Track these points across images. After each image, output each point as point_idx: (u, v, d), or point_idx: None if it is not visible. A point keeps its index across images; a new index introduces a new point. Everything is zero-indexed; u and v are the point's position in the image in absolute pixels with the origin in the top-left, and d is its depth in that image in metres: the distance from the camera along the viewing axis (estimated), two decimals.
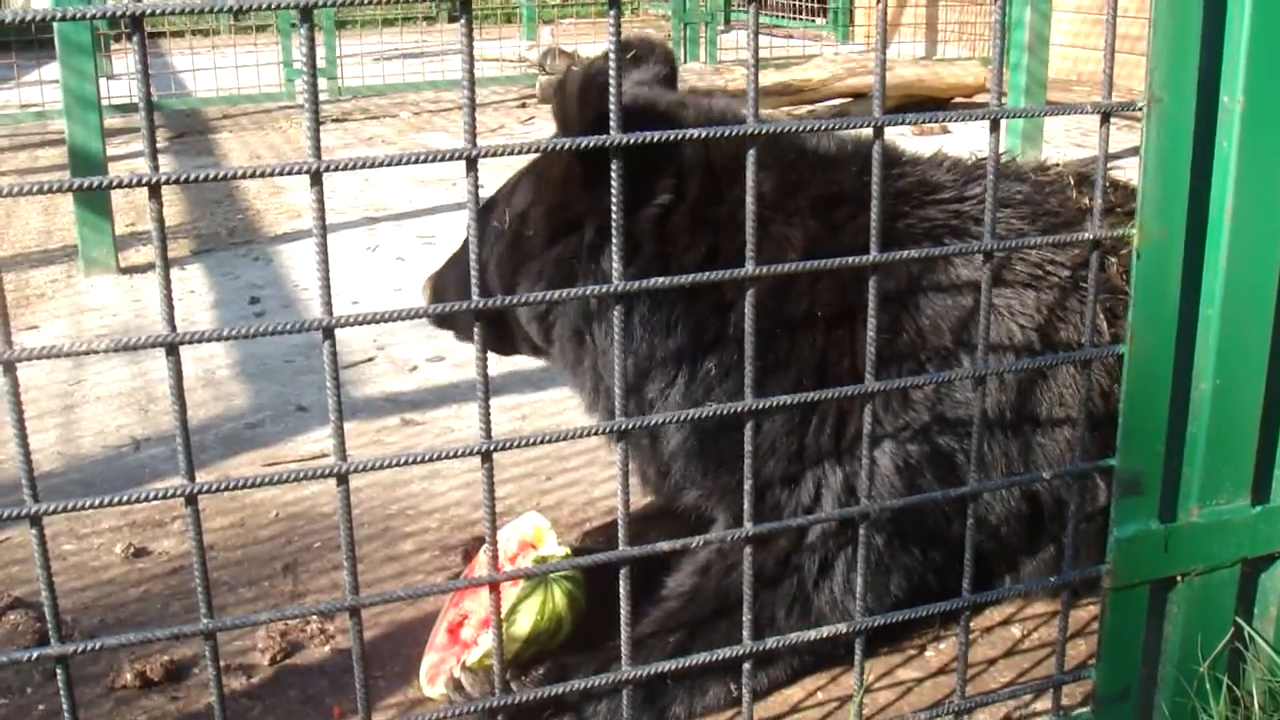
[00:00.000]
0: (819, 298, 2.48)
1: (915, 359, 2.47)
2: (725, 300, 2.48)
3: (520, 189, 2.71)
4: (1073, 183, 2.73)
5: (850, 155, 2.64)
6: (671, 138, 1.76)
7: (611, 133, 1.68)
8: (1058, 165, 2.85)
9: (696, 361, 2.50)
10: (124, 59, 12.23)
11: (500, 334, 2.82)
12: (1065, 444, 2.53)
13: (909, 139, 8.33)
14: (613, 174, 1.69)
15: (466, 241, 2.75)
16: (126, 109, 9.41)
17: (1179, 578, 2.15)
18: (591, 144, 1.71)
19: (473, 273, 1.68)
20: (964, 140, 8.17)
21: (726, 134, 1.76)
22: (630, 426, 1.81)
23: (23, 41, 11.23)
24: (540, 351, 2.85)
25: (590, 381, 2.65)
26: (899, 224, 2.53)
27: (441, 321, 3.05)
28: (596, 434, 1.87)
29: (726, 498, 2.59)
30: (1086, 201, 2.66)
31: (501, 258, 2.69)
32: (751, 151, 1.75)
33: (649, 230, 2.48)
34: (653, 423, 1.89)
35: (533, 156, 2.73)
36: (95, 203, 5.69)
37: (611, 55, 1.66)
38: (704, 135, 1.76)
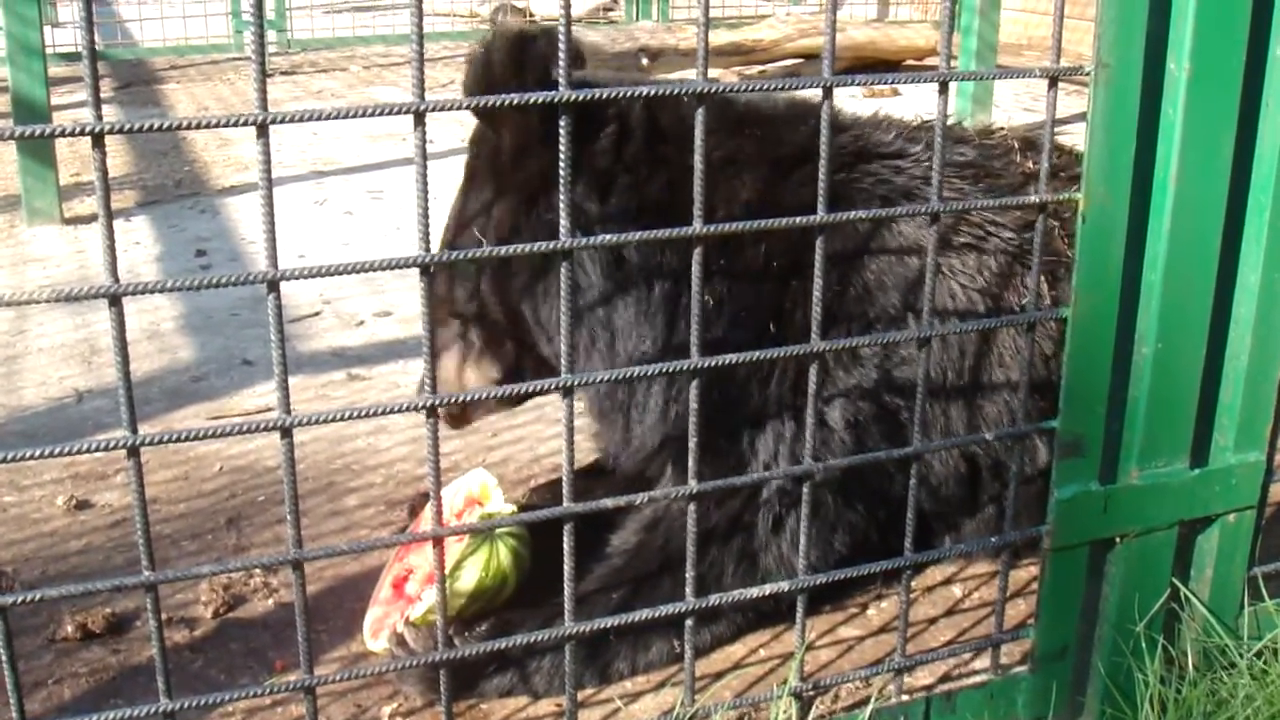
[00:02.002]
0: (772, 251, 2.49)
1: (864, 317, 2.48)
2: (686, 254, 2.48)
3: (478, 194, 2.60)
4: (1017, 146, 2.75)
5: (795, 114, 2.64)
6: (619, 94, 1.76)
7: (560, 88, 1.68)
8: (1003, 129, 2.86)
9: (673, 316, 2.52)
10: (69, 6, 12.04)
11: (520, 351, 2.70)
12: (1005, 405, 2.56)
13: (859, 101, 8.34)
14: (561, 132, 1.69)
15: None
16: (71, 57, 9.29)
17: (1118, 539, 2.17)
18: (542, 99, 1.71)
19: (419, 232, 1.67)
20: (914, 103, 8.18)
21: (677, 92, 1.76)
22: (575, 383, 1.81)
23: None
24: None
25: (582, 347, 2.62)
26: (843, 178, 2.55)
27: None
28: (541, 393, 1.86)
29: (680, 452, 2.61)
30: (1030, 165, 2.67)
31: (495, 267, 2.60)
32: (700, 110, 1.75)
33: (609, 164, 2.46)
34: (597, 379, 1.90)
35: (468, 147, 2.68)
36: (39, 152, 5.62)
37: (561, 12, 1.65)
38: (652, 93, 1.76)
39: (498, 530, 2.52)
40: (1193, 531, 2.27)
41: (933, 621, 2.67)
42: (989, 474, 2.64)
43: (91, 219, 5.77)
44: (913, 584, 2.64)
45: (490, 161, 2.54)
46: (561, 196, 1.72)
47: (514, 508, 2.65)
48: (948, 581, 2.82)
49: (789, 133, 2.58)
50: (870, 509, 2.58)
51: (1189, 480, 2.18)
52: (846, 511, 2.56)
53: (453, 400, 1.78)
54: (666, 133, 2.48)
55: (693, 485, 1.94)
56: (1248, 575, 2.32)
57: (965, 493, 2.66)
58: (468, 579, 2.47)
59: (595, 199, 2.45)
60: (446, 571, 1.95)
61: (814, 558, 2.52)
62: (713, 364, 1.88)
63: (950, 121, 2.78)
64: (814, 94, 2.17)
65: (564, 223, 1.72)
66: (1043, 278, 2.53)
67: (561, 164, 1.70)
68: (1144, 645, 2.22)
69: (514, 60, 2.29)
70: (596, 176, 2.45)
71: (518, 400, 2.78)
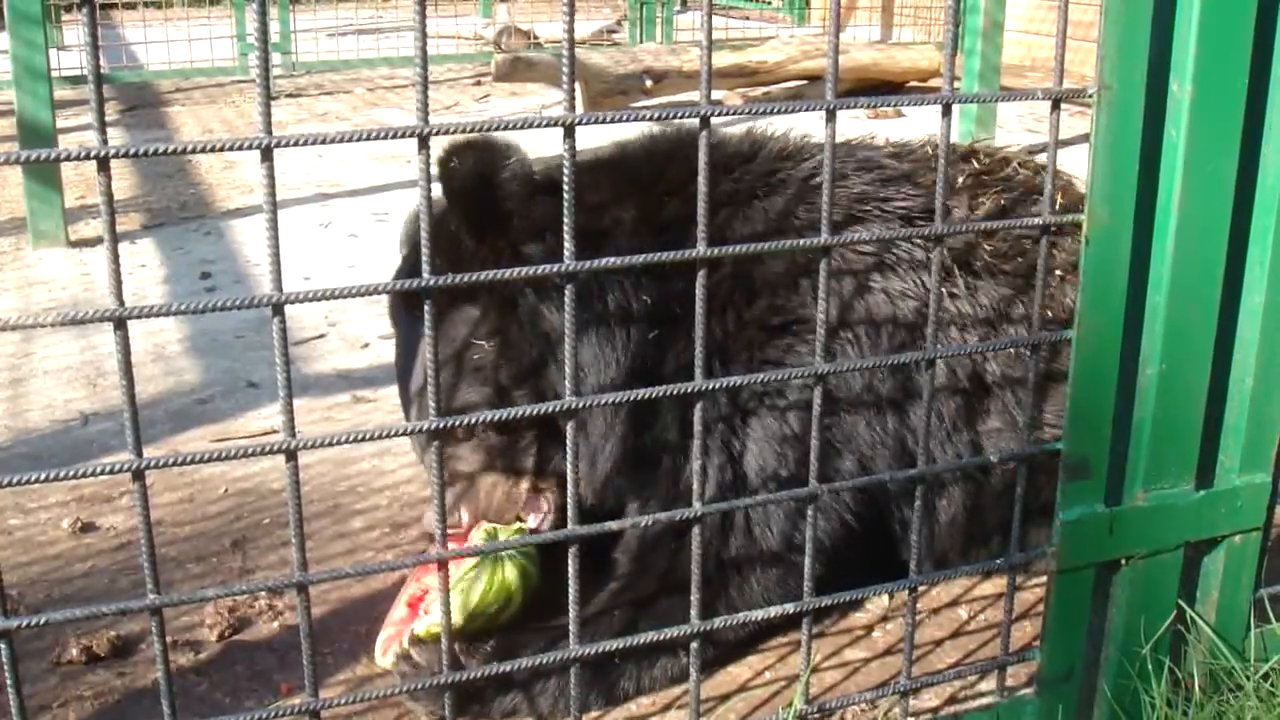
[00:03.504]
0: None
1: (807, 320, 2.55)
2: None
3: (459, 315, 2.62)
4: (930, 152, 2.80)
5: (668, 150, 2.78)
6: (621, 116, 1.76)
7: (565, 110, 1.68)
8: (923, 142, 2.90)
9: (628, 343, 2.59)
10: (75, 30, 12.09)
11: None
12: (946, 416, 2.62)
13: (863, 123, 8.36)
14: (565, 152, 1.70)
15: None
16: (77, 81, 9.33)
17: (1123, 561, 2.17)
18: (550, 123, 1.72)
19: (424, 248, 1.68)
20: (917, 124, 8.20)
21: (678, 115, 1.77)
22: (579, 405, 1.82)
23: None
24: None
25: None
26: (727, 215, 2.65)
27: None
28: (543, 414, 1.87)
29: (634, 476, 2.67)
30: (961, 180, 2.72)
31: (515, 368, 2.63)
32: (704, 133, 1.75)
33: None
34: (603, 401, 1.90)
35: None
36: (44, 175, 5.63)
37: (565, 34, 1.65)
38: (660, 115, 1.76)
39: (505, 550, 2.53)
40: (1198, 553, 2.27)
41: (938, 643, 2.67)
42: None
43: (97, 241, 5.78)
44: (918, 605, 2.64)
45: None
46: (565, 222, 1.72)
47: (520, 525, 2.65)
48: (953, 603, 2.82)
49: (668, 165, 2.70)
50: (836, 493, 2.60)
51: (1195, 502, 2.17)
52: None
53: (456, 424, 1.78)
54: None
55: (698, 507, 1.94)
56: (1254, 597, 2.32)
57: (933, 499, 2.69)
58: (471, 596, 2.47)
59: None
60: (451, 588, 1.95)
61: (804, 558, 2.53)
62: (720, 385, 1.88)
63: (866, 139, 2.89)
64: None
65: (567, 246, 1.73)
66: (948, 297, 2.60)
67: (565, 186, 1.70)
68: (1150, 667, 2.21)
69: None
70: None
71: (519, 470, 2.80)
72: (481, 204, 2.48)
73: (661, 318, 2.55)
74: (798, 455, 2.51)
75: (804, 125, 2.87)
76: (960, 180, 2.72)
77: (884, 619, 2.74)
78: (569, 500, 1.87)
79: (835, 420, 2.55)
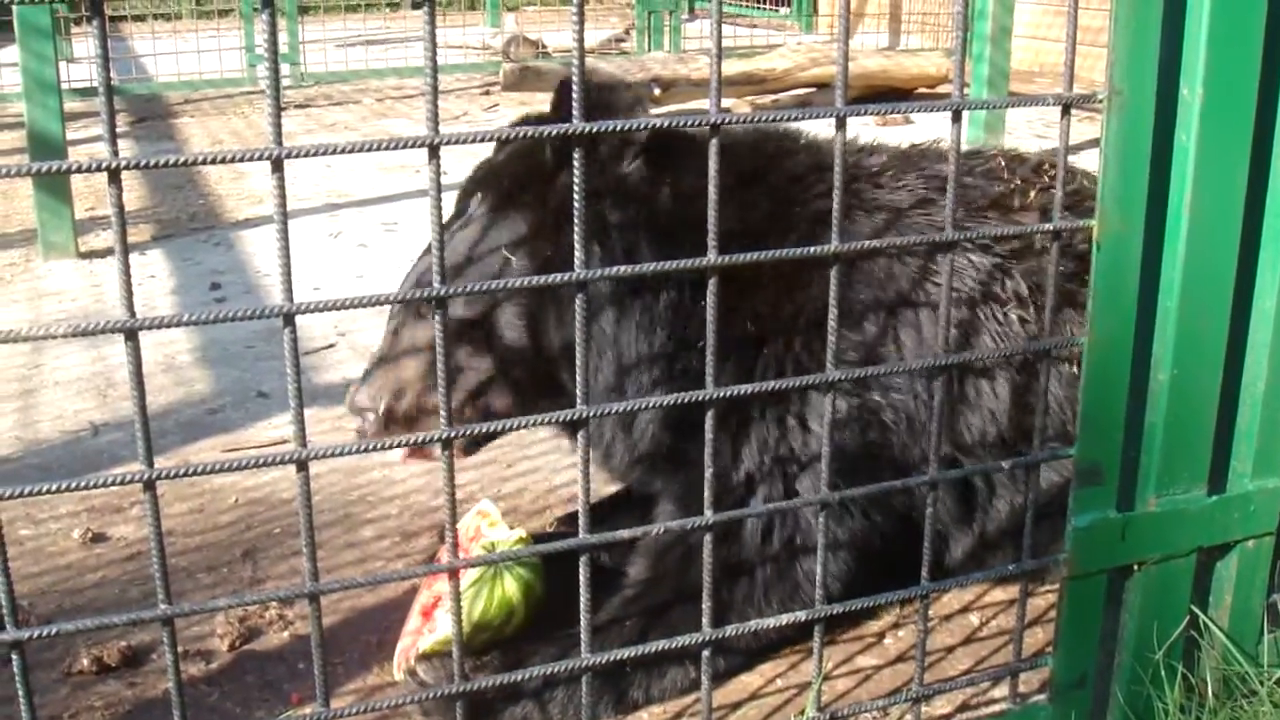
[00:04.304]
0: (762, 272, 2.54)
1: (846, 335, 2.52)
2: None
3: (502, 218, 2.61)
4: (1003, 163, 2.77)
5: (760, 138, 2.76)
6: (635, 126, 1.76)
7: (575, 121, 1.68)
8: (994, 151, 2.87)
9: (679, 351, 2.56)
10: (84, 42, 12.11)
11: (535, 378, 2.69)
12: (990, 417, 2.57)
13: (872, 129, 8.35)
14: (575, 162, 1.69)
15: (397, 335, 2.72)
16: (86, 93, 9.35)
17: (1136, 566, 2.16)
18: (556, 131, 1.71)
19: (435, 264, 1.68)
20: (927, 130, 8.19)
21: (691, 124, 1.77)
22: (591, 414, 1.81)
23: None
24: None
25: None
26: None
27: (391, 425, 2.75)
28: (554, 422, 1.86)
29: (672, 477, 2.63)
30: (1018, 182, 2.69)
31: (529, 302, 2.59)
32: (714, 140, 1.75)
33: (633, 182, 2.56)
34: (612, 410, 1.90)
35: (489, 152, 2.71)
36: (54, 187, 5.65)
37: (574, 43, 1.65)
38: (667, 125, 1.76)
39: (506, 562, 2.52)
40: (1211, 558, 2.26)
41: (950, 650, 2.66)
42: (980, 490, 2.66)
43: (107, 253, 5.80)
44: (930, 612, 2.64)
45: (522, 185, 2.59)
46: (576, 226, 1.72)
47: (521, 535, 2.65)
48: (965, 609, 2.81)
49: (790, 161, 2.65)
50: (868, 514, 2.58)
51: (1207, 507, 2.17)
52: (848, 520, 2.56)
53: (468, 433, 1.78)
54: (677, 157, 2.56)
55: (709, 516, 1.93)
56: (1267, 602, 2.31)
57: (959, 507, 2.65)
58: (473, 611, 2.47)
59: (616, 211, 2.52)
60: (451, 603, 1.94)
61: (828, 577, 2.52)
62: (725, 394, 1.88)
63: (943, 144, 2.83)
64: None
65: (579, 255, 1.73)
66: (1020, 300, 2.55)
67: (576, 194, 1.70)
68: (1163, 673, 2.20)
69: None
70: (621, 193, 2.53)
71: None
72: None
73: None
74: (847, 469, 2.50)
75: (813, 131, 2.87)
76: (1032, 196, 2.68)
77: (895, 625, 2.74)
78: (580, 508, 1.87)
79: (884, 439, 2.54)
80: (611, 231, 2.51)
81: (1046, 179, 2.72)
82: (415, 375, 2.63)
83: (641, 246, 2.52)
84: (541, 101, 9.91)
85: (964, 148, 2.37)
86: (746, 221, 2.55)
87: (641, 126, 1.78)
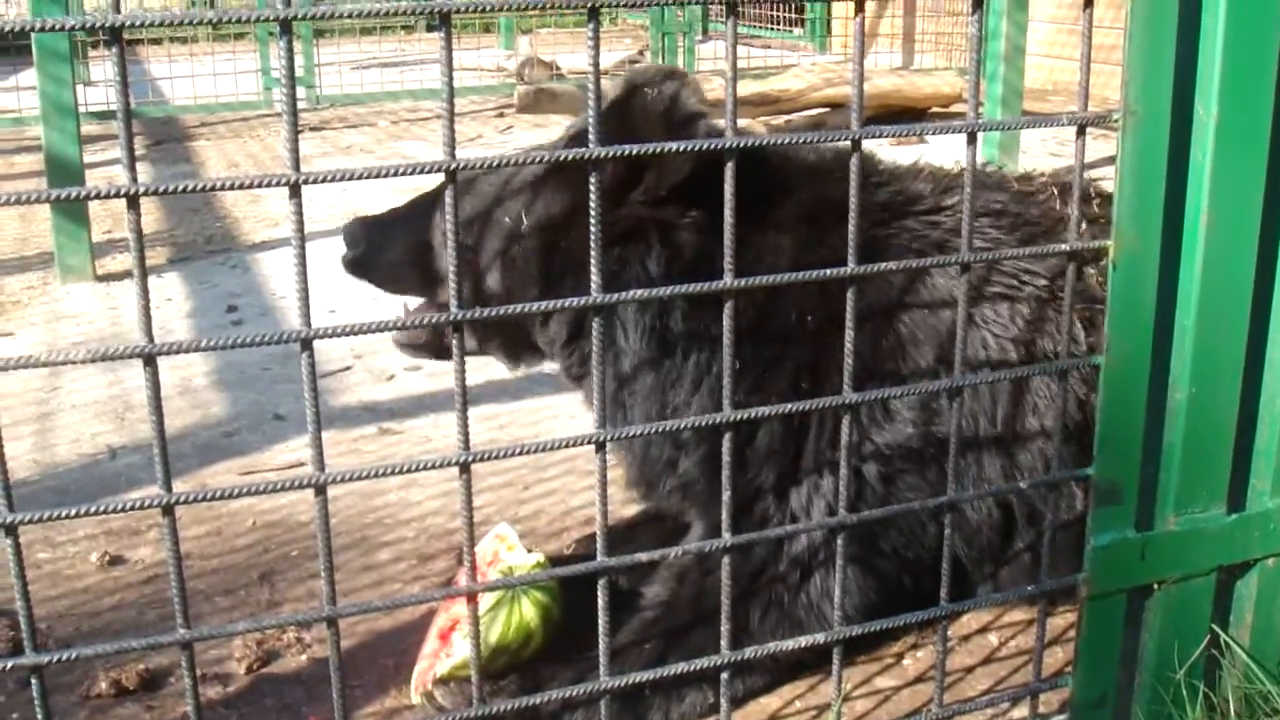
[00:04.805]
0: (808, 305, 2.48)
1: (897, 372, 2.48)
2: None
3: (546, 194, 2.59)
4: (1055, 192, 2.74)
5: (834, 164, 2.64)
6: (650, 151, 1.77)
7: (591, 144, 1.69)
8: (1042, 174, 2.85)
9: (711, 367, 2.52)
10: (101, 65, 12.20)
11: (503, 340, 2.77)
12: (1040, 453, 2.54)
13: (886, 147, 8.35)
14: (591, 185, 1.70)
15: (416, 204, 2.73)
16: (104, 116, 9.39)
17: (1156, 585, 2.15)
18: (571, 156, 1.72)
19: (451, 285, 1.68)
20: (941, 150, 8.19)
21: (709, 148, 1.77)
22: (608, 438, 1.81)
23: None
24: (537, 354, 2.80)
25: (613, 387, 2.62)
26: (879, 233, 2.55)
27: (357, 269, 2.90)
28: (575, 445, 1.86)
29: (710, 504, 2.59)
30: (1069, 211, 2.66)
31: (518, 262, 2.61)
32: (730, 165, 1.76)
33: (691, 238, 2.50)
34: (631, 434, 1.90)
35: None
36: (72, 211, 5.66)
37: (590, 65, 1.66)
38: (689, 149, 1.77)
39: (524, 585, 2.52)
40: (1232, 577, 2.25)
41: (970, 670, 2.65)
42: (1024, 521, 2.62)
43: (124, 275, 5.81)
44: (949, 632, 2.63)
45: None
46: (593, 254, 1.72)
47: (539, 559, 2.65)
48: (984, 630, 2.80)
49: (831, 187, 2.59)
50: (903, 557, 2.57)
51: (1227, 525, 2.16)
52: (879, 560, 2.55)
53: (484, 316, 1.78)
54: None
55: (727, 538, 1.93)
56: None
57: (1001, 540, 2.64)
58: (490, 636, 2.47)
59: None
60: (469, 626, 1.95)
61: (848, 606, 2.50)
62: (743, 417, 1.88)
63: (989, 168, 2.79)
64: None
65: (595, 279, 1.73)
66: (1080, 324, 2.51)
67: (593, 220, 1.70)
68: (1184, 693, 2.19)
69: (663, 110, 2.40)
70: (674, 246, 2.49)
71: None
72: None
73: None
74: (891, 493, 2.50)
75: None
76: (1084, 227, 2.65)
77: (914, 646, 2.73)
78: (599, 531, 1.86)
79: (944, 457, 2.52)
80: (649, 264, 2.49)
81: (1095, 207, 2.69)
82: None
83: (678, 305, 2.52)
84: (556, 124, 9.97)
85: (1004, 169, 2.37)
86: (805, 253, 2.52)
87: (653, 151, 1.78)
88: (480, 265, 2.61)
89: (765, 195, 2.53)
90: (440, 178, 1.77)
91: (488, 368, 4.46)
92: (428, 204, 2.74)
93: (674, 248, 2.47)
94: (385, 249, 2.79)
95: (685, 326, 2.49)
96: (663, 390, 2.54)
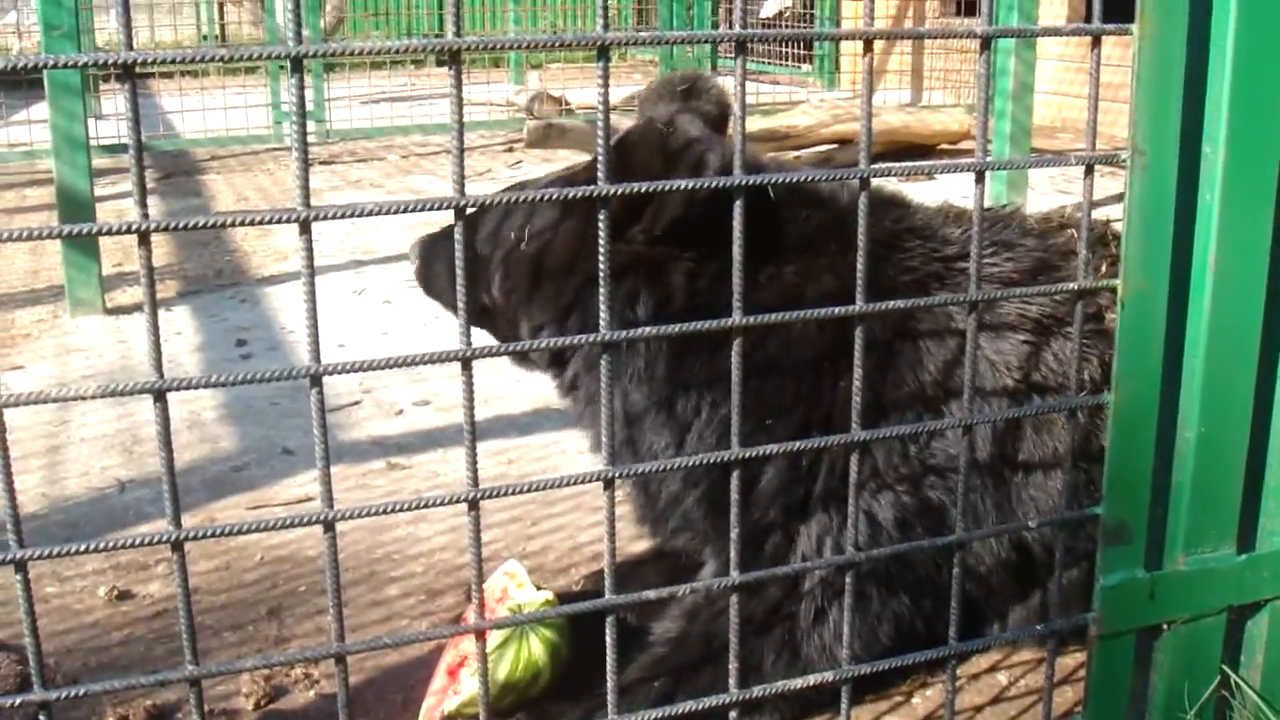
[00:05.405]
0: (823, 342, 2.48)
1: (913, 409, 2.47)
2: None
3: (546, 211, 2.63)
4: (1075, 234, 2.72)
5: (850, 202, 2.64)
6: (655, 189, 1.77)
7: (600, 181, 1.69)
8: (1063, 214, 2.84)
9: (715, 406, 2.51)
10: (112, 99, 12.26)
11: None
12: (1057, 493, 2.52)
13: (894, 182, 8.37)
14: (600, 221, 1.70)
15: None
16: (115, 149, 9.43)
17: (1165, 626, 2.15)
18: (582, 193, 1.72)
19: (461, 315, 1.68)
20: (950, 187, 8.21)
21: (714, 185, 1.77)
22: (617, 475, 1.81)
23: (11, 81, 11.27)
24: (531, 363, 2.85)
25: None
26: (890, 272, 2.54)
27: (418, 281, 2.97)
28: (583, 482, 1.86)
29: (720, 542, 2.58)
30: (1103, 265, 2.65)
31: (515, 266, 2.65)
32: (739, 202, 1.76)
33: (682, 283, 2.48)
34: (641, 471, 1.90)
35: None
36: (82, 244, 5.68)
37: (599, 101, 1.66)
38: (694, 186, 1.77)
39: (531, 622, 2.52)
40: (1242, 617, 2.24)
41: (979, 709, 2.64)
42: (1041, 562, 2.60)
43: (134, 309, 5.83)
44: (958, 672, 2.62)
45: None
46: (602, 289, 1.72)
47: (548, 596, 2.65)
48: (993, 669, 2.79)
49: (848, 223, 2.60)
50: (916, 599, 2.56)
51: (1237, 565, 2.16)
52: (891, 601, 2.53)
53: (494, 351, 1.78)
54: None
55: (735, 576, 1.93)
56: None
57: (1015, 581, 2.62)
58: (497, 673, 2.46)
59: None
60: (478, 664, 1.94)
61: (858, 648, 2.49)
62: (750, 454, 1.88)
63: (1009, 209, 2.80)
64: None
65: (603, 315, 1.73)
66: (1099, 364, 2.49)
67: (601, 257, 1.70)
68: None
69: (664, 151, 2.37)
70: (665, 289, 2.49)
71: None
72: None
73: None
74: (905, 534, 2.49)
75: None
76: (1104, 269, 2.64)
77: (923, 685, 2.72)
78: (606, 569, 1.86)
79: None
80: (641, 305, 2.48)
81: (1114, 248, 2.67)
82: None
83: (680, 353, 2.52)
84: (565, 159, 10.00)
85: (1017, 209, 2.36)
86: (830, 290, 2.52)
87: (668, 188, 1.78)
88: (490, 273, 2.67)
89: (770, 230, 2.53)
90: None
91: (497, 402, 4.47)
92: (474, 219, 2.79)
93: (664, 290, 2.46)
94: (434, 263, 2.89)
95: (677, 371, 2.50)
96: (657, 430, 2.54)
